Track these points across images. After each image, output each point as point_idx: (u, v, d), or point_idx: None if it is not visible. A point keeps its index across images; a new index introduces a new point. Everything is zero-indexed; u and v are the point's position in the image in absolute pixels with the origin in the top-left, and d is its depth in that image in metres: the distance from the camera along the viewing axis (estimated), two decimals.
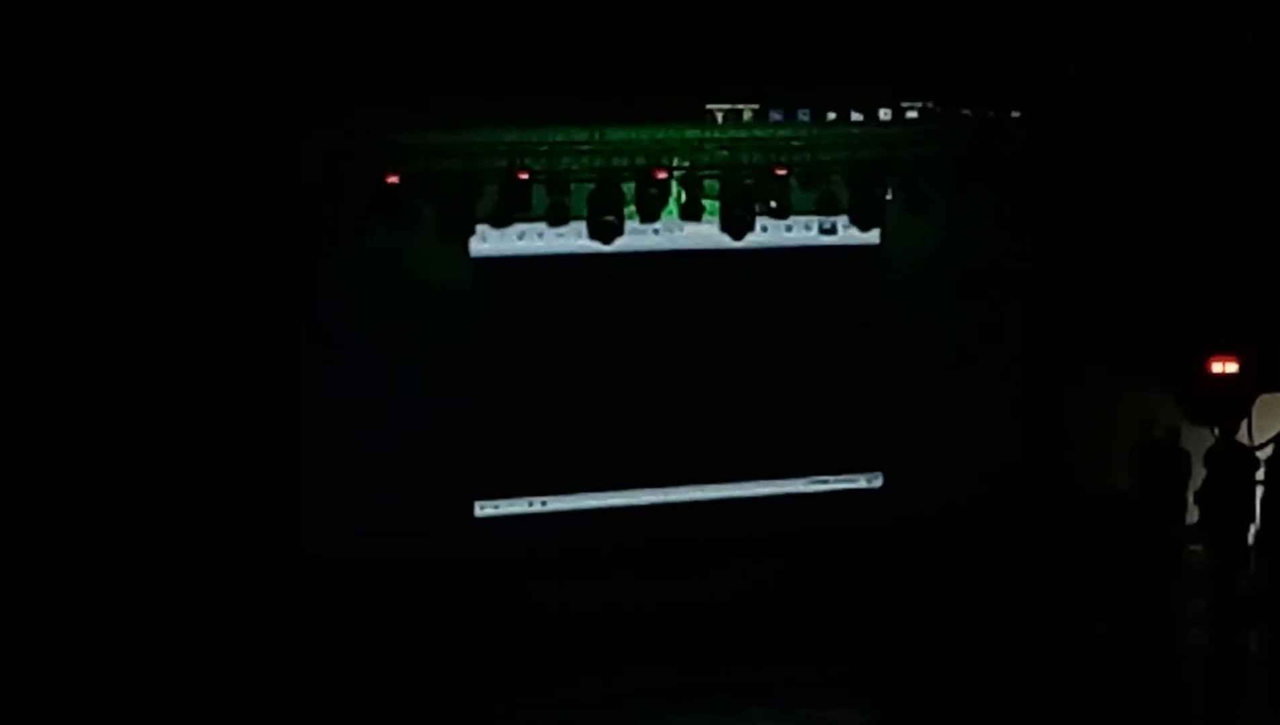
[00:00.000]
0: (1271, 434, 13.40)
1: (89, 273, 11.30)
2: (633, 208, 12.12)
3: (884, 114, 12.69)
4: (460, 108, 11.77)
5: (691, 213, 12.25)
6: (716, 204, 12.35)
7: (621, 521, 12.75)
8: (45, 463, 11.22)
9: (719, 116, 12.46)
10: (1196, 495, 13.13)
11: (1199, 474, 13.11)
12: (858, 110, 12.60)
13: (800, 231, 13.00)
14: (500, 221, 11.98)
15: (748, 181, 12.32)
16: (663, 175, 12.13)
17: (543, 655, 11.78)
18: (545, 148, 11.99)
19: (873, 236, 13.00)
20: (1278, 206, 13.45)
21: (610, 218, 11.98)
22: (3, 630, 10.86)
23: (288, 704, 11.04)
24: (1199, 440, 13.26)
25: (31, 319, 11.19)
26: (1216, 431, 13.29)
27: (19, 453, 11.15)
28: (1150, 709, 11.14)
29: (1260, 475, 13.14)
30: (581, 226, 12.06)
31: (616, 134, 12.16)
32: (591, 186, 12.02)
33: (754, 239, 12.47)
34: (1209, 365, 13.33)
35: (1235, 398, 13.39)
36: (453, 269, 12.28)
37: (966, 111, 12.98)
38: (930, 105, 12.83)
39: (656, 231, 12.57)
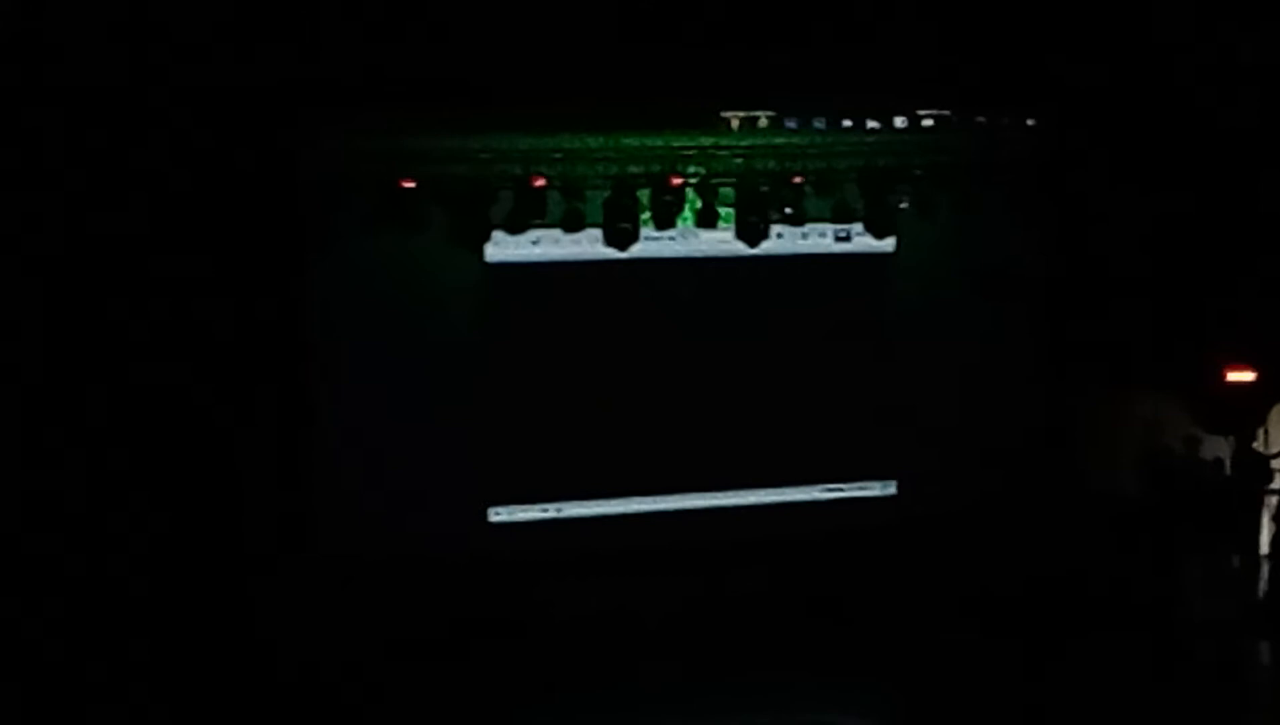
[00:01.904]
0: None
1: (96, 275, 11.32)
2: (648, 215, 12.16)
3: (899, 122, 12.69)
4: (475, 114, 11.81)
5: (707, 220, 12.30)
6: (732, 211, 12.40)
7: (635, 527, 12.78)
8: (53, 463, 11.22)
9: (734, 124, 12.47)
10: (1209, 503, 13.11)
11: (1212, 482, 13.13)
12: (873, 118, 12.61)
13: (815, 239, 13.03)
14: (515, 227, 12.03)
15: (763, 189, 12.36)
16: (678, 182, 12.18)
17: (554, 658, 11.80)
18: (560, 155, 12.05)
19: (887, 244, 13.02)
20: None
21: (625, 225, 12.02)
22: (11, 629, 10.87)
23: (299, 703, 11.06)
24: (1213, 449, 13.24)
25: (39, 321, 11.21)
26: (1231, 440, 13.26)
27: (28, 452, 11.17)
28: (1161, 717, 11.08)
29: (1275, 484, 13.13)
30: (597, 233, 12.12)
31: (632, 141, 12.20)
32: (607, 193, 12.07)
33: (769, 246, 12.53)
34: (1225, 374, 13.29)
35: (1251, 407, 13.34)
36: (467, 274, 12.33)
37: (981, 119, 12.96)
38: (945, 113, 12.82)
39: (672, 238, 12.60)
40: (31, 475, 11.14)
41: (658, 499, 12.84)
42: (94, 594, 11.19)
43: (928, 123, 12.80)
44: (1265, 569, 13.08)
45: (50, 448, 11.22)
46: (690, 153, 12.34)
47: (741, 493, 13.02)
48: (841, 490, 13.28)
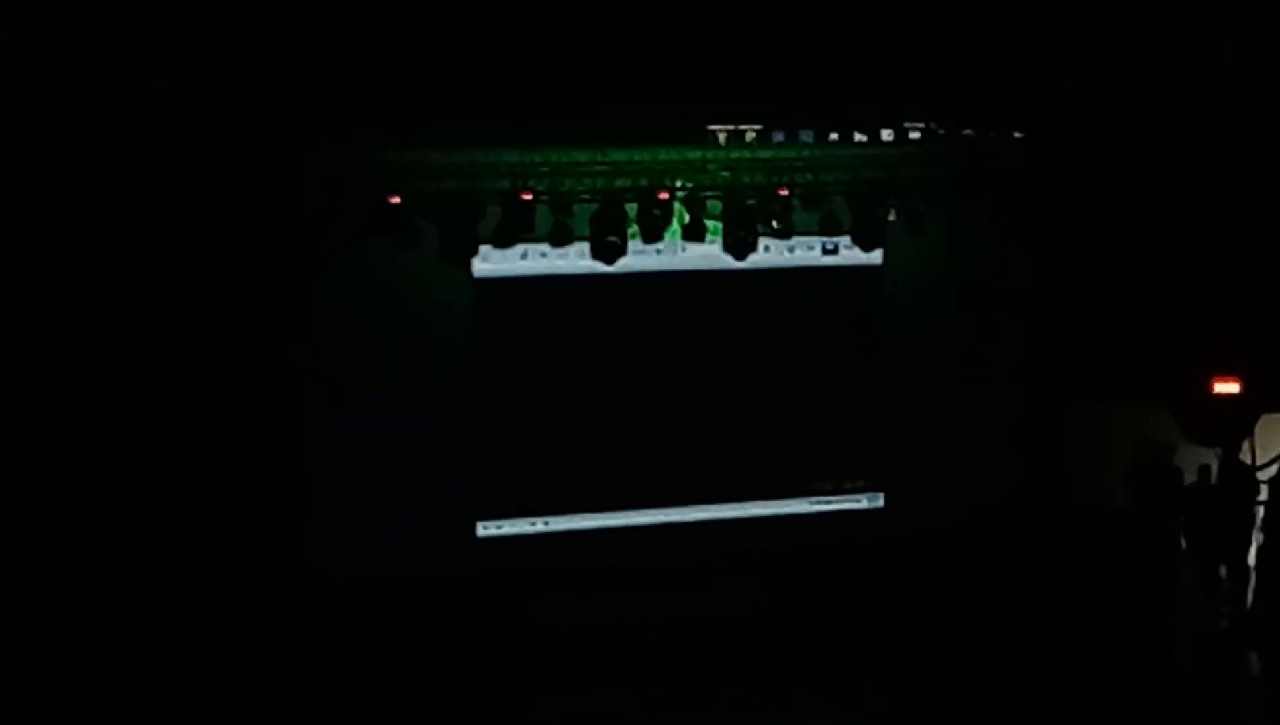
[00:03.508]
0: (1273, 454, 13.38)
1: (89, 287, 11.31)
2: (635, 228, 12.13)
3: (886, 135, 12.72)
4: (463, 128, 11.81)
5: (694, 233, 12.25)
6: (719, 225, 12.37)
7: (622, 541, 12.75)
8: (47, 476, 11.23)
9: (721, 137, 12.48)
10: (1197, 515, 13.14)
11: (1200, 493, 13.15)
12: (860, 131, 12.63)
13: (802, 252, 13.02)
14: (503, 242, 12.00)
15: (750, 202, 12.33)
16: (665, 196, 12.15)
17: (544, 674, 11.78)
18: (547, 168, 12.03)
19: (875, 257, 13.02)
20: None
21: (613, 238, 11.99)
22: (4, 640, 10.87)
23: (289, 720, 11.05)
24: (1201, 460, 13.26)
25: (32, 330, 11.20)
26: (1218, 451, 13.29)
27: (20, 463, 11.15)
28: None
29: (1262, 495, 13.15)
30: (584, 247, 12.08)
31: (619, 155, 12.19)
32: (594, 207, 12.05)
33: (756, 259, 12.49)
34: (1211, 385, 13.31)
35: (1237, 418, 13.37)
36: (455, 289, 12.30)
37: (968, 132, 12.98)
38: (932, 126, 12.84)
39: (659, 252, 12.58)
40: (23, 488, 11.14)
41: (646, 512, 12.81)
42: (81, 608, 11.19)
43: (915, 136, 12.83)
44: (1254, 580, 13.10)
45: (44, 462, 11.21)
46: (678, 166, 12.32)
47: (729, 506, 13.00)
48: (829, 503, 13.27)
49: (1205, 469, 13.16)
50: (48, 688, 10.59)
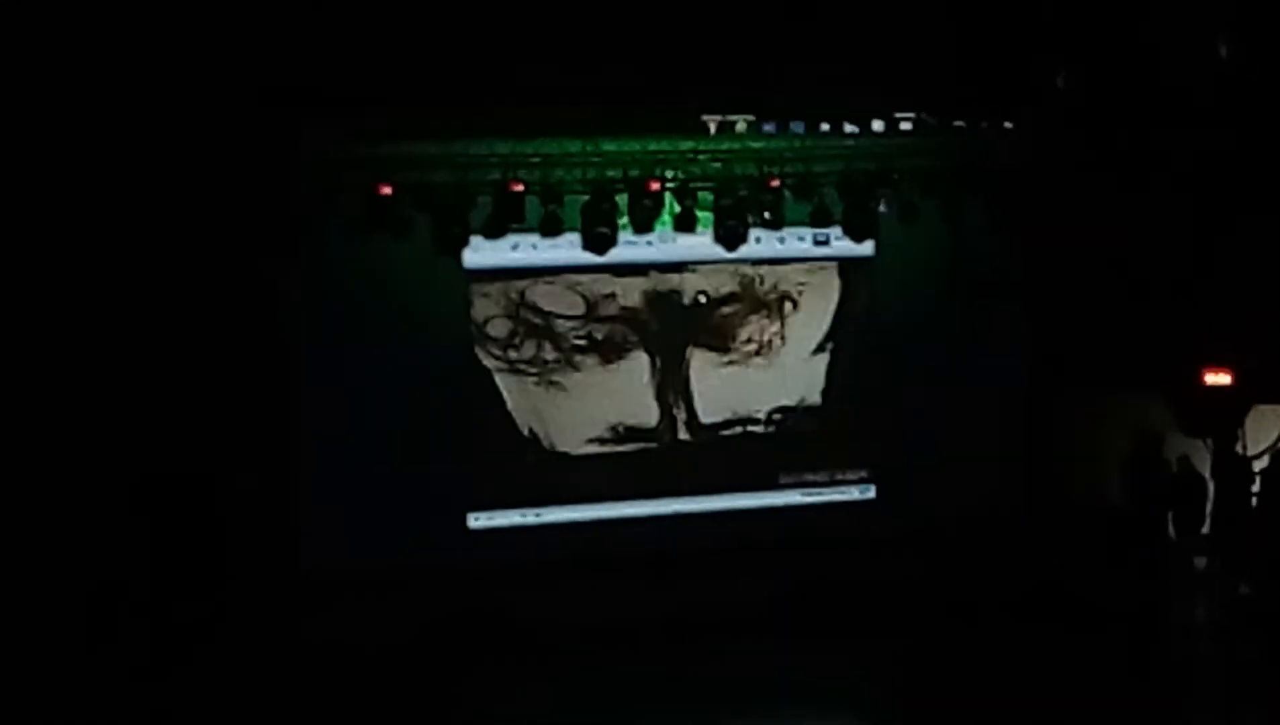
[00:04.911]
0: (1266, 445, 13.37)
1: (80, 282, 11.31)
2: (626, 219, 12.13)
3: (877, 125, 12.70)
4: (454, 119, 11.81)
5: (685, 224, 12.27)
6: (710, 215, 12.37)
7: (614, 532, 12.74)
8: (38, 474, 11.21)
9: (712, 127, 12.46)
10: (1190, 506, 13.12)
11: (1192, 484, 13.14)
12: (851, 121, 12.61)
13: (794, 243, 13.01)
14: (494, 232, 12.00)
15: (741, 193, 12.34)
16: (656, 186, 12.17)
17: (535, 667, 11.79)
18: (538, 159, 12.06)
19: (866, 247, 13.00)
20: (1271, 216, 13.42)
21: (604, 229, 12.00)
22: (3, 640, 10.85)
23: (282, 716, 11.03)
24: (1194, 452, 13.25)
25: (22, 328, 11.20)
26: (1210, 442, 13.27)
27: (10, 466, 11.15)
28: (1146, 719, 11.10)
29: (1255, 486, 13.13)
30: (575, 237, 12.08)
31: (610, 145, 12.20)
32: (585, 198, 12.05)
33: (747, 250, 12.47)
34: (1203, 376, 13.30)
35: (1230, 409, 13.35)
36: (446, 279, 12.28)
37: (959, 122, 12.97)
38: (923, 116, 12.83)
39: (650, 243, 12.57)
40: (13, 490, 11.12)
41: (638, 504, 12.81)
42: (79, 607, 11.18)
43: (906, 126, 12.81)
44: (1247, 571, 13.08)
45: (33, 461, 11.20)
46: (669, 157, 12.35)
47: (720, 497, 12.99)
48: (821, 495, 13.26)
49: (1184, 459, 13.13)
50: (46, 687, 10.56)
